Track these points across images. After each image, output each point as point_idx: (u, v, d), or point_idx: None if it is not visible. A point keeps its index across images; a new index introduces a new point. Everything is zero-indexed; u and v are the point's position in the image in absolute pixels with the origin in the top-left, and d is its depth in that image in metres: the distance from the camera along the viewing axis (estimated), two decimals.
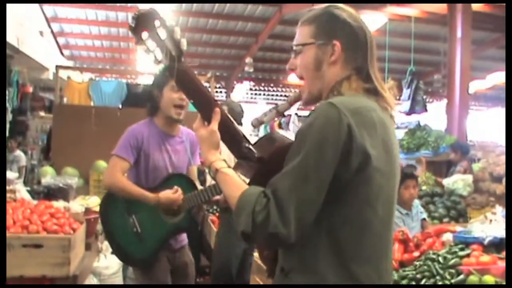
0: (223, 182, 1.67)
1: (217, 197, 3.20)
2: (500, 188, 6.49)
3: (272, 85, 21.52)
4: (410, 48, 10.84)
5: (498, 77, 17.56)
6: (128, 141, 3.34)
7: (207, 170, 1.81)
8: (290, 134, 1.84)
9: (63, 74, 8.59)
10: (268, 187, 1.52)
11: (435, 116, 14.47)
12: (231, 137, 1.76)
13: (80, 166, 6.96)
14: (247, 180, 1.68)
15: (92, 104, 8.03)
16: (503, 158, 6.79)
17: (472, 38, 9.71)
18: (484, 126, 20.77)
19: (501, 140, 15.36)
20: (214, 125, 1.72)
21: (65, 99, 8.38)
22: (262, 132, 10.32)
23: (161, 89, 3.30)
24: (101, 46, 16.78)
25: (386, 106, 1.66)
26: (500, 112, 22.78)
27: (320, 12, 1.72)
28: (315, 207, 1.50)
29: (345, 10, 1.71)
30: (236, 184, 1.63)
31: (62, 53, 15.44)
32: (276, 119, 12.05)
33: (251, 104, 21.61)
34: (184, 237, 3.58)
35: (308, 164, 1.48)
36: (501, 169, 6.67)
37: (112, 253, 4.98)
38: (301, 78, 1.77)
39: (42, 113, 11.13)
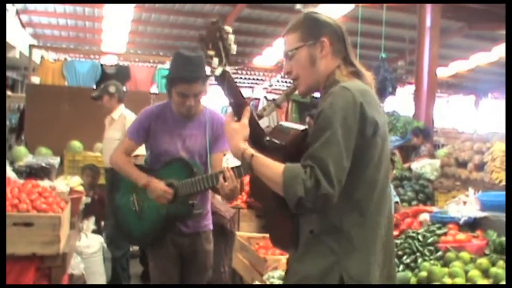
0: (262, 164, 1.87)
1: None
2: (465, 173, 6.76)
3: (237, 68, 21.52)
4: (378, 34, 11.02)
5: (461, 65, 18.02)
6: (138, 122, 3.33)
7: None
8: (294, 124, 2.06)
9: (33, 53, 8.49)
10: (306, 159, 1.77)
11: (398, 102, 14.81)
12: (256, 132, 1.97)
13: (54, 146, 6.94)
14: None
15: (66, 84, 7.98)
16: (467, 144, 7.05)
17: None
18: (445, 113, 21.32)
19: (462, 127, 15.85)
20: (246, 120, 1.95)
21: (32, 78, 8.28)
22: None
23: (171, 89, 3.21)
24: (66, 25, 16.47)
25: (368, 85, 1.97)
26: (461, 99, 23.42)
27: (302, 19, 2.01)
28: (347, 170, 1.78)
29: (321, 14, 2.01)
30: (274, 163, 1.85)
31: (24, 29, 15.12)
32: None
33: (216, 86, 21.51)
34: (200, 223, 3.35)
35: (338, 136, 1.76)
36: (465, 155, 6.93)
37: (94, 232, 5.07)
38: (295, 78, 2.02)
39: (9, 93, 10.94)
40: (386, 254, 1.96)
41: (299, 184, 1.72)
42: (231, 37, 1.91)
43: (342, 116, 1.77)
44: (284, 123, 2.15)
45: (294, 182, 1.74)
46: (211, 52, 1.89)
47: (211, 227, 3.46)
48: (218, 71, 1.90)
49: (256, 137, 1.97)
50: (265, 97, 14.14)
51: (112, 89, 5.57)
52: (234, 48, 1.91)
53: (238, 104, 1.96)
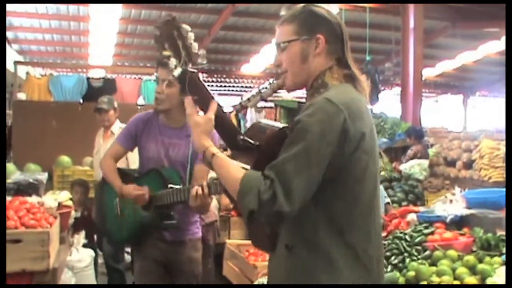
0: (221, 166, 1.78)
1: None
2: (454, 172, 6.81)
3: (224, 76, 21.48)
4: (363, 37, 11.06)
5: (447, 65, 18.14)
6: (127, 128, 3.43)
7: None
8: (274, 122, 1.95)
9: (19, 69, 8.49)
10: (270, 170, 1.66)
11: (386, 104, 14.88)
12: (228, 129, 1.89)
13: (43, 162, 6.92)
14: (248, 167, 1.79)
15: (52, 99, 7.99)
16: (455, 143, 7.10)
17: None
18: (434, 113, 21.43)
19: (451, 126, 15.93)
20: (211, 114, 1.84)
21: (18, 95, 8.28)
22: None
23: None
24: (52, 40, 16.45)
25: (361, 90, 1.86)
26: (449, 98, 23.56)
27: (300, 10, 1.89)
28: (314, 188, 1.69)
29: (322, 8, 1.88)
30: (235, 167, 1.76)
31: (10, 46, 15.08)
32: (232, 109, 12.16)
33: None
34: (185, 231, 3.34)
35: (311, 150, 1.65)
36: (454, 154, 6.98)
37: (85, 246, 5.05)
38: (284, 71, 1.91)
39: None
40: (379, 269, 1.86)
41: (254, 195, 1.62)
42: (191, 35, 1.80)
43: (319, 130, 1.66)
44: (264, 121, 2.02)
45: (249, 192, 1.64)
46: (167, 53, 1.79)
47: (199, 235, 3.45)
48: (177, 72, 1.79)
49: (229, 135, 1.88)
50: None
51: (116, 103, 5.69)
52: (195, 47, 1.81)
53: (203, 99, 1.85)
